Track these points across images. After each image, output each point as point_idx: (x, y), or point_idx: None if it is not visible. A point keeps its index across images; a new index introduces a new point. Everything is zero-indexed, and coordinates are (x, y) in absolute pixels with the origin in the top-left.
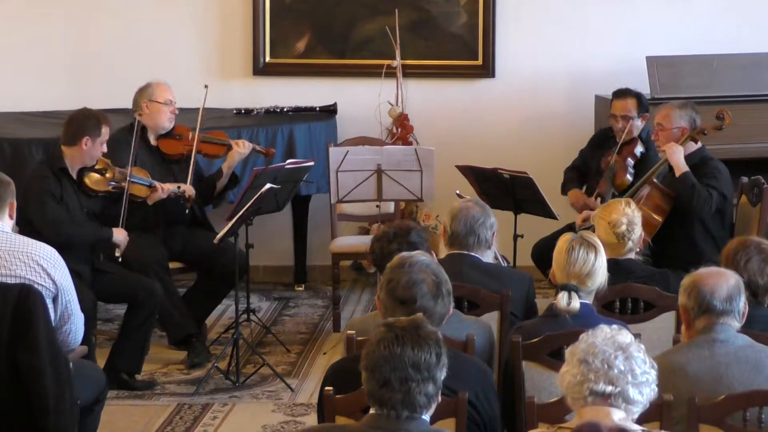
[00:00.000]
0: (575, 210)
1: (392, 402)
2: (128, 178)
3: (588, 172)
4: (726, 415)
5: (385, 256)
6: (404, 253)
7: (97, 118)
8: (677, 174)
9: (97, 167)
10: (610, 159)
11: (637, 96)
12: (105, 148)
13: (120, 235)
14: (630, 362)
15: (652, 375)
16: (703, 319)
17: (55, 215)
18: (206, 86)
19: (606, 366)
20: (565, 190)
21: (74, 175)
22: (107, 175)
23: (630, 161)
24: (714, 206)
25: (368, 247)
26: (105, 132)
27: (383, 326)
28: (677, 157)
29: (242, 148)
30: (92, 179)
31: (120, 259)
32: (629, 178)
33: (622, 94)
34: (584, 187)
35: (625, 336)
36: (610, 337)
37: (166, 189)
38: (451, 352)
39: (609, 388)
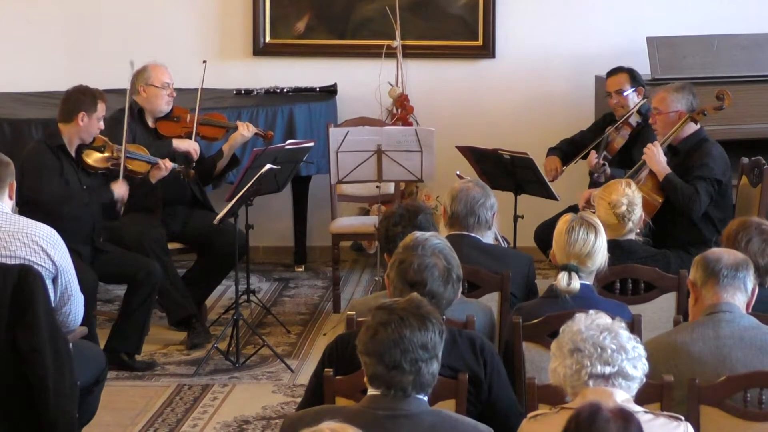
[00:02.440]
0: (546, 174)
1: (403, 383)
2: (123, 154)
3: (581, 149)
4: (726, 396)
5: (390, 238)
6: (418, 235)
7: (92, 94)
8: (660, 179)
9: (95, 144)
10: (607, 132)
11: (629, 71)
12: (102, 125)
13: (120, 189)
14: (618, 339)
15: (641, 348)
16: (709, 288)
17: (58, 190)
18: (204, 62)
19: (599, 349)
20: (547, 154)
21: (72, 153)
22: (106, 152)
23: (625, 131)
24: (704, 201)
25: (368, 228)
26: (101, 108)
27: (383, 309)
28: (656, 161)
29: (246, 131)
30: (91, 156)
31: (122, 210)
32: (621, 140)
33: (614, 71)
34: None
35: (604, 318)
36: (591, 321)
37: (168, 166)
38: (455, 329)
39: (607, 369)
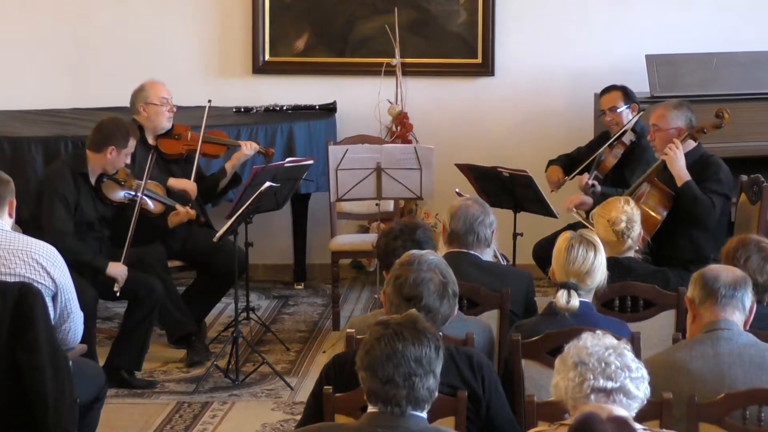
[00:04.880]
0: (549, 185)
1: (397, 398)
2: (141, 192)
3: (578, 165)
4: (725, 414)
5: (389, 253)
6: (414, 251)
7: (126, 130)
8: (679, 184)
9: (117, 176)
10: (600, 150)
11: (622, 88)
12: (128, 160)
13: (116, 269)
14: (623, 358)
15: (644, 372)
16: (707, 307)
17: (62, 224)
18: (210, 101)
19: (603, 364)
20: (547, 167)
21: (93, 181)
22: (125, 185)
23: (618, 150)
24: (718, 214)
25: (367, 246)
26: (131, 144)
27: (379, 325)
28: (678, 165)
29: (248, 149)
30: (109, 187)
31: (118, 294)
32: (613, 159)
33: (606, 89)
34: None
35: (610, 338)
36: (598, 340)
37: (189, 213)
38: (453, 347)
39: (609, 384)
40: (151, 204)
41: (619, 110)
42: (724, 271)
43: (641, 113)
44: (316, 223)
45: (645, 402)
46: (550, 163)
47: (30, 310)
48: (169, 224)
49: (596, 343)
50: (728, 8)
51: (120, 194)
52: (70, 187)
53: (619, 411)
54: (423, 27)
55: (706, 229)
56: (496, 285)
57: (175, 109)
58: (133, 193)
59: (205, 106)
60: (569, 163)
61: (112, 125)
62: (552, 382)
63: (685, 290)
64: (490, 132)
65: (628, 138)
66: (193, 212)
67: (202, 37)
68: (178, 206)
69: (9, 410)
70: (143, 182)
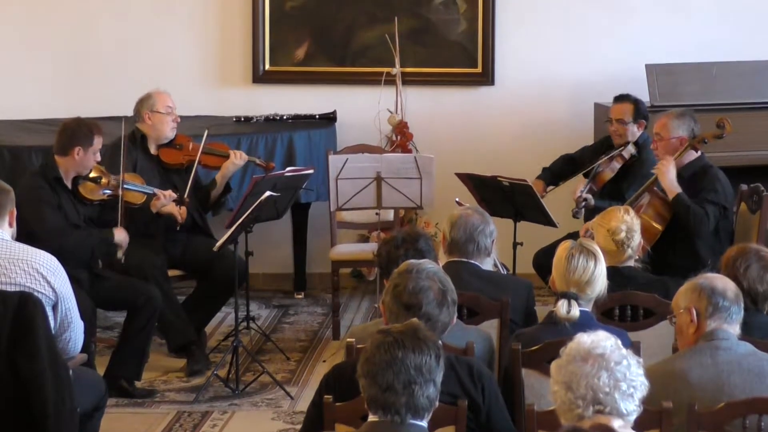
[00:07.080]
0: None
1: (396, 406)
2: (121, 185)
3: (579, 169)
4: (725, 423)
5: (392, 261)
6: (412, 260)
7: (89, 127)
8: (670, 197)
9: (91, 175)
10: (599, 161)
11: (635, 102)
12: (98, 157)
13: (120, 234)
14: (614, 378)
15: (639, 379)
16: (714, 320)
17: (55, 223)
18: (207, 129)
19: (591, 391)
20: (537, 176)
21: (68, 184)
22: (102, 182)
23: (615, 164)
24: (712, 223)
25: (368, 255)
26: (97, 142)
27: (380, 333)
28: (668, 179)
29: (237, 159)
30: (86, 188)
31: (123, 260)
32: (609, 173)
33: (620, 98)
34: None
35: (604, 344)
36: (587, 350)
37: (168, 196)
38: (453, 356)
39: (598, 408)
40: (132, 193)
41: (626, 124)
42: (719, 281)
43: (645, 129)
44: (317, 233)
45: (641, 407)
46: (540, 174)
47: (30, 319)
48: (151, 208)
49: (587, 356)
50: (728, 17)
51: (99, 192)
52: (49, 192)
53: (617, 422)
54: (423, 36)
55: (702, 239)
56: (496, 294)
57: (179, 119)
58: (110, 190)
59: (205, 115)
60: (568, 168)
61: (74, 126)
62: (551, 386)
63: None
64: (490, 141)
65: (628, 152)
66: (171, 192)
67: (202, 46)
68: (158, 191)
69: (9, 419)
70: (121, 175)
